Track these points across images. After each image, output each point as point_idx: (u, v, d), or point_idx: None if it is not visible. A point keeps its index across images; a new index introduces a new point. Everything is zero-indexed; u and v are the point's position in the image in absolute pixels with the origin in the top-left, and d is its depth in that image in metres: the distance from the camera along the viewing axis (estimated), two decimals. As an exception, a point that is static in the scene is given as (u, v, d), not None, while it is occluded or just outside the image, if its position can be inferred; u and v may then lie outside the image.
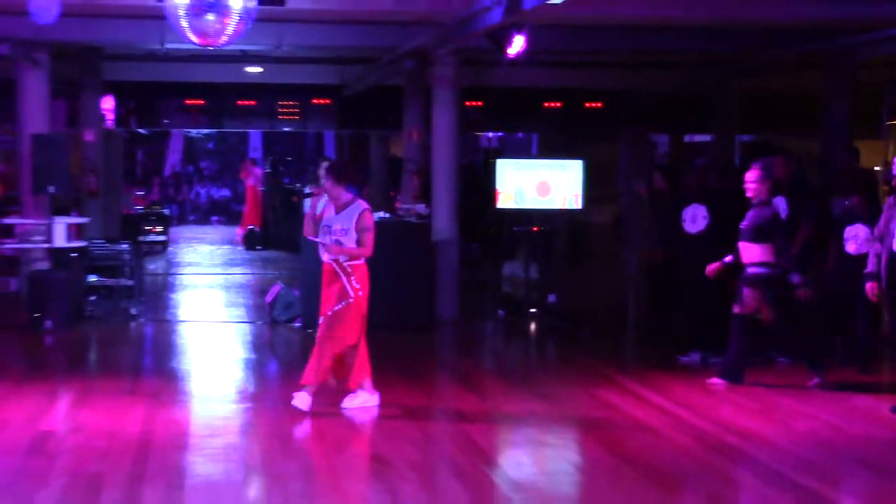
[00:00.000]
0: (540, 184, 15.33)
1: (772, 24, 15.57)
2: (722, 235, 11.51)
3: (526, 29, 12.81)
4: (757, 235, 10.71)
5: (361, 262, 9.79)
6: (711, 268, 11.00)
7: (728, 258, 10.97)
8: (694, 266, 11.75)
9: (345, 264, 9.69)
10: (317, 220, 10.07)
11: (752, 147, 24.23)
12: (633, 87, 23.05)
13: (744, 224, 10.80)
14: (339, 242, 9.65)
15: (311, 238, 10.21)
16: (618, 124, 23.64)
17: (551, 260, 16.80)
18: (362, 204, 9.85)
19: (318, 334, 9.69)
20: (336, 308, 9.65)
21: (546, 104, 23.67)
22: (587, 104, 23.81)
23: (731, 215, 11.34)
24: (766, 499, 7.54)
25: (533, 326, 15.04)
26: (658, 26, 15.85)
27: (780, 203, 11.44)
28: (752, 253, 10.75)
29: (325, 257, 9.84)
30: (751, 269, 10.77)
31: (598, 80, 22.63)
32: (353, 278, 9.68)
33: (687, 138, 26.78)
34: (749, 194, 10.77)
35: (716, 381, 10.77)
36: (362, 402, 9.78)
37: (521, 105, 23.66)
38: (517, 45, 12.85)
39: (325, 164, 15.54)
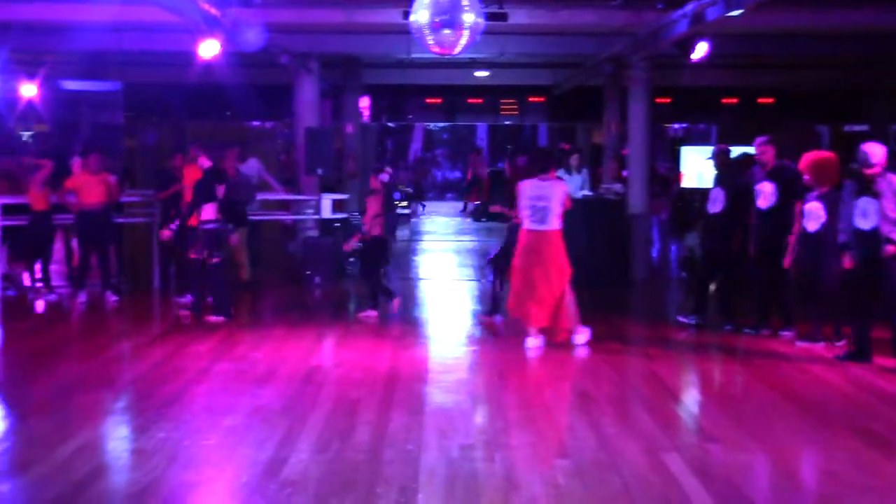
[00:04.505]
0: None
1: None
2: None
3: (708, 37, 12.54)
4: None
5: None
6: None
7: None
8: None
9: None
10: None
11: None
12: (799, 85, 22.37)
13: None
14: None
15: None
16: (786, 117, 23.02)
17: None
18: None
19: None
20: None
21: (724, 100, 23.21)
22: (760, 99, 23.25)
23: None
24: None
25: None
26: (816, 33, 15.31)
27: None
28: (206, 212, 11.10)
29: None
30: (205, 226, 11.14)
31: (770, 79, 22.01)
32: None
33: (846, 128, 25.84)
34: None
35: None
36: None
37: (703, 101, 23.21)
38: (700, 50, 12.58)
39: (576, 156, 15.54)
